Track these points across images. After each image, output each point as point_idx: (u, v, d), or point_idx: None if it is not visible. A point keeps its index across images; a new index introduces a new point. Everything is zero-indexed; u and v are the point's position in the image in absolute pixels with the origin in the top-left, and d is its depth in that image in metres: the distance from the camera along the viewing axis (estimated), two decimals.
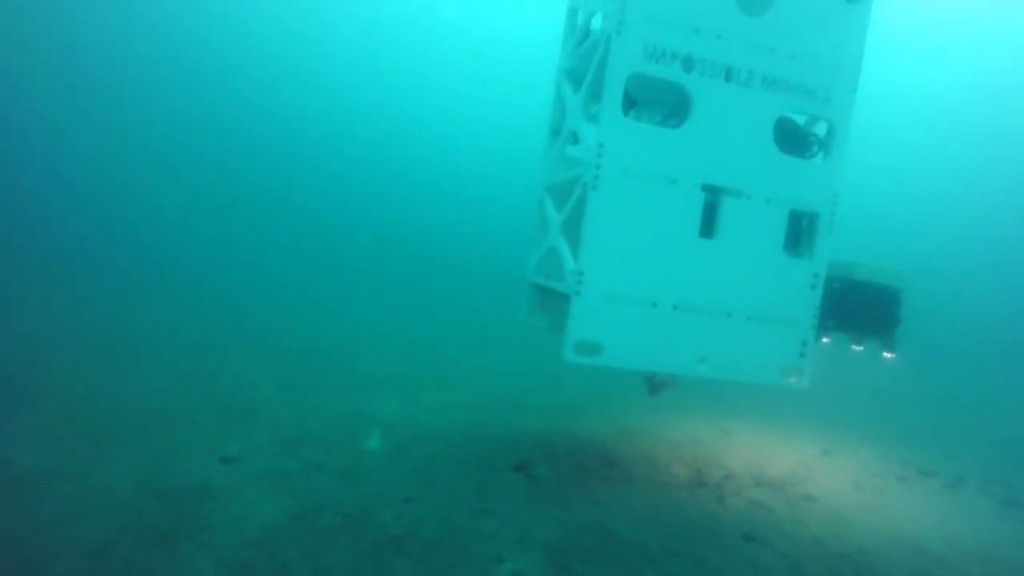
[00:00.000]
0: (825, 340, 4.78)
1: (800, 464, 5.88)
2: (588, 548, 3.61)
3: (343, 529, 3.55)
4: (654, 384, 5.11)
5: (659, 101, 4.68)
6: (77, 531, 3.27)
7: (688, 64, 3.94)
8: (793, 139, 4.58)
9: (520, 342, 9.50)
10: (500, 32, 33.11)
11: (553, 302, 5.06)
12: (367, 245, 26.49)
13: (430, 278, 21.70)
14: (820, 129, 4.64)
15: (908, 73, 28.06)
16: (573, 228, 4.12)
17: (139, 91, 27.99)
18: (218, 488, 3.96)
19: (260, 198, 28.07)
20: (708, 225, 4.00)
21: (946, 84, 28.08)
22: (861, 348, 4.91)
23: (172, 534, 3.34)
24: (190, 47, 29.43)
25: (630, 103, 4.56)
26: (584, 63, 4.71)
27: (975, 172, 26.38)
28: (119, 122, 27.20)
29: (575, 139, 4.82)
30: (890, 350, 4.82)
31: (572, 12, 5.53)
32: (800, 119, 4.73)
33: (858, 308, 4.61)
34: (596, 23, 4.89)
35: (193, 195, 26.51)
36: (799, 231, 4.34)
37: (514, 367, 9.27)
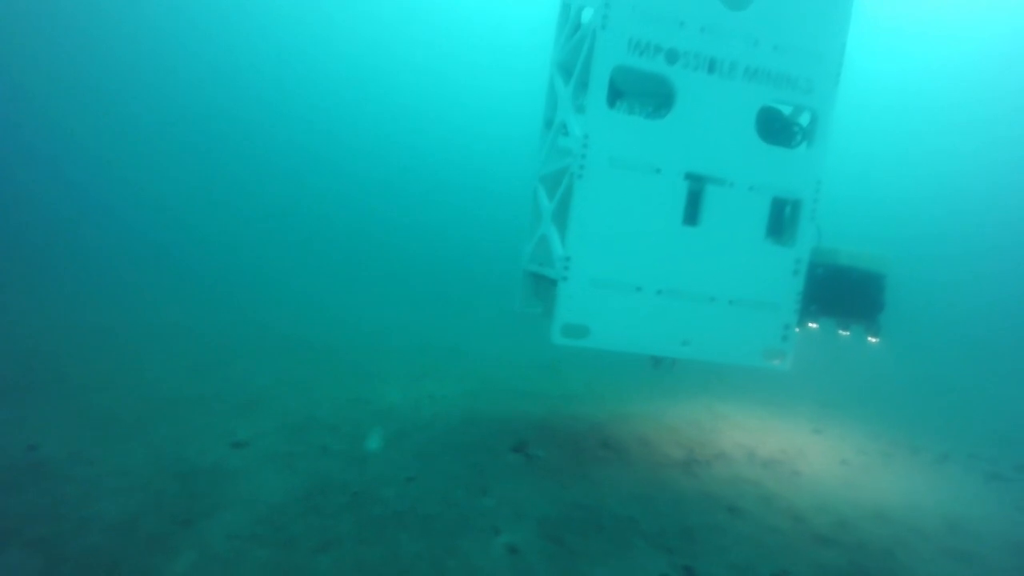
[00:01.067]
0: (813, 325, 4.94)
1: (790, 443, 6.07)
2: (580, 521, 3.81)
3: (348, 506, 3.76)
4: (656, 358, 5.30)
5: (645, 92, 4.82)
6: (100, 509, 3.50)
7: (672, 57, 4.07)
8: (778, 128, 4.71)
9: (519, 332, 9.69)
10: (502, 23, 33.03)
11: (546, 289, 5.23)
12: (369, 239, 26.70)
13: (431, 270, 21.92)
14: (805, 119, 4.77)
15: (895, 61, 28.08)
16: (562, 216, 4.29)
17: (145, 89, 28.20)
18: (230, 470, 4.18)
19: (264, 195, 28.32)
20: (692, 212, 4.15)
21: (934, 71, 28.08)
22: (848, 333, 5.06)
23: (188, 511, 3.55)
24: (195, 45, 29.60)
25: (616, 94, 4.71)
26: (574, 56, 4.85)
27: (962, 159, 26.51)
28: (128, 122, 27.47)
29: (566, 130, 4.97)
30: (874, 335, 4.96)
31: (565, 6, 5.67)
32: (786, 109, 4.87)
33: (841, 293, 4.75)
34: (586, 16, 5.02)
35: (199, 193, 26.79)
36: (782, 218, 4.49)
37: (514, 356, 9.47)
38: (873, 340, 4.96)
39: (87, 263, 15.92)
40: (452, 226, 28.14)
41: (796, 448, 5.92)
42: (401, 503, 3.84)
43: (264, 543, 3.27)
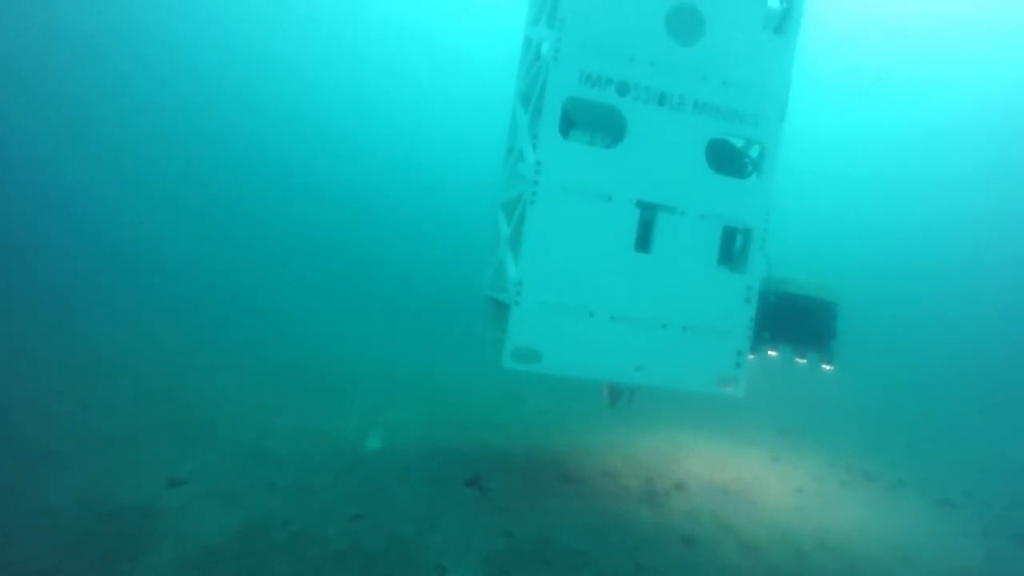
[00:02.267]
0: (773, 353, 4.98)
1: (748, 472, 6.06)
2: (529, 556, 3.70)
3: (286, 546, 3.58)
4: (613, 394, 5.27)
5: (598, 123, 4.90)
6: (17, 552, 3.27)
7: (622, 89, 4.16)
8: (730, 160, 4.83)
9: (485, 359, 9.58)
10: (492, 49, 33.70)
11: (504, 314, 5.20)
12: (339, 261, 26.40)
13: (401, 293, 21.72)
14: (755, 152, 4.91)
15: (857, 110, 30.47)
16: (516, 241, 4.29)
17: (118, 106, 27.83)
18: (165, 508, 3.97)
19: (236, 216, 27.86)
20: (644, 239, 4.19)
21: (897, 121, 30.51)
22: (804, 361, 5.11)
23: (113, 554, 3.34)
24: (171, 60, 29.47)
25: (569, 124, 4.78)
26: (533, 86, 4.93)
27: (921, 194, 28.54)
28: (95, 133, 26.96)
29: (523, 158, 5.00)
30: (828, 362, 5.02)
31: (527, 41, 5.78)
32: (739, 141, 5.00)
33: (793, 321, 4.82)
34: (546, 49, 5.11)
35: (172, 210, 26.22)
36: (733, 246, 4.57)
37: (479, 384, 9.33)
38: (827, 368, 5.02)
39: (55, 282, 15.17)
40: (422, 252, 28.10)
41: (754, 477, 5.91)
42: (343, 542, 3.68)
43: None
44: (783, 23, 4.62)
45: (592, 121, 5.07)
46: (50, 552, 3.29)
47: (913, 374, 14.76)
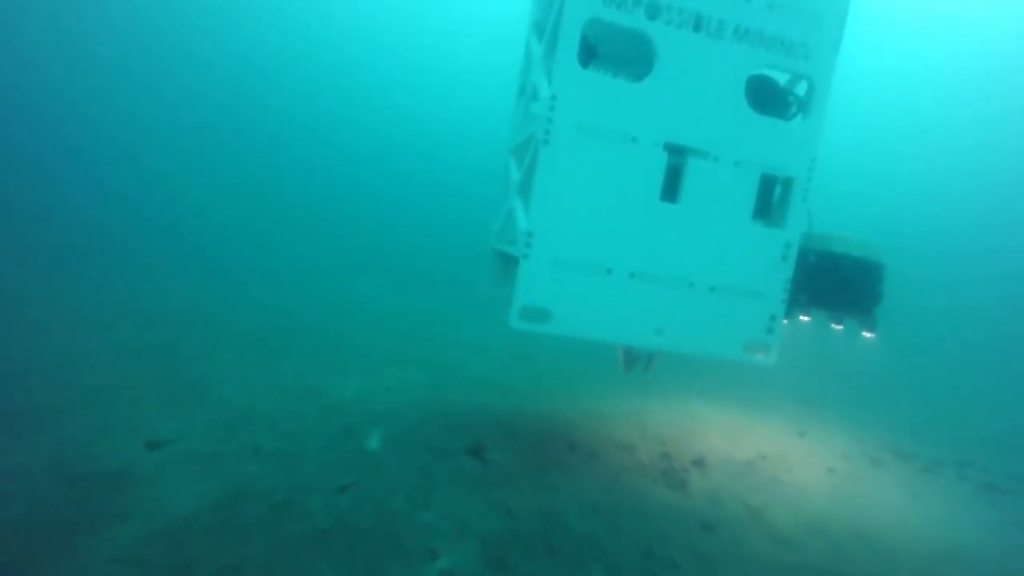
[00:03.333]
0: (805, 318, 4.50)
1: (773, 447, 5.64)
2: (531, 540, 3.33)
3: (265, 521, 3.25)
4: (629, 358, 4.82)
5: (622, 56, 4.29)
6: None
7: (653, 11, 3.54)
8: (772, 99, 4.22)
9: (495, 318, 9.16)
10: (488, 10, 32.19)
11: (512, 269, 4.74)
12: (351, 220, 26.01)
13: (410, 250, 21.34)
14: (801, 89, 4.28)
15: (898, 55, 27.89)
16: (527, 188, 3.79)
17: (140, 74, 27.43)
18: (139, 474, 3.65)
19: (242, 179, 27.50)
20: (671, 188, 3.66)
21: (937, 65, 27.89)
22: (841, 327, 4.62)
23: (73, 525, 3.03)
24: (197, 47, 28.86)
25: (591, 54, 4.17)
26: (548, 12, 4.32)
27: (965, 156, 26.43)
28: (120, 92, 26.69)
29: (536, 94, 4.44)
30: (870, 329, 4.53)
31: None
32: (781, 78, 4.37)
33: (833, 283, 4.30)
34: None
35: (178, 168, 25.96)
36: (771, 197, 4.01)
37: (487, 344, 8.97)
38: (868, 335, 4.53)
39: (58, 246, 15.01)
40: (427, 209, 27.53)
41: (779, 453, 5.48)
42: (327, 517, 3.34)
43: (150, 568, 2.75)
44: None
45: (616, 55, 4.45)
46: (4, 521, 2.98)
47: (951, 344, 14.09)
